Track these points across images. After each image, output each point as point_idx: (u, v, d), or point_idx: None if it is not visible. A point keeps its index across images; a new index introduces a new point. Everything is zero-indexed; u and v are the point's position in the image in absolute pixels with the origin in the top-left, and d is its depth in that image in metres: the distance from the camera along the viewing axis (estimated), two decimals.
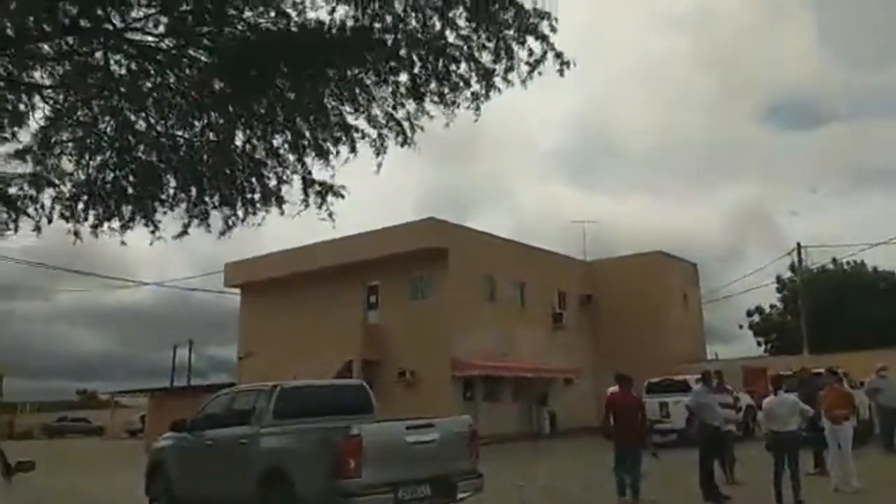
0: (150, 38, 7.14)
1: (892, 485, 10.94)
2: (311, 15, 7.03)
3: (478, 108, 7.67)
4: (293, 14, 7.02)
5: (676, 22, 79.51)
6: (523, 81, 7.50)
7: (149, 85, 7.56)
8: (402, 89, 7.68)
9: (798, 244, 31.99)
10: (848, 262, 35.69)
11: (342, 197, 8.13)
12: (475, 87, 7.59)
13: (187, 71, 7.39)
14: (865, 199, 72.28)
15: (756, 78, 76.67)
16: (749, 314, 38.51)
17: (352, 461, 7.10)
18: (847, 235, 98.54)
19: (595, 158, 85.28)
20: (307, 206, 8.09)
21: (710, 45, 76.72)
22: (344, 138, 7.88)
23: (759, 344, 38.05)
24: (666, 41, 77.86)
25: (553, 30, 7.25)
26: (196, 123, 7.93)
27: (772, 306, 38.92)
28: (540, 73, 7.48)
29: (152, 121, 7.90)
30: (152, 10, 6.86)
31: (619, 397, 10.74)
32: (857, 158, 72.57)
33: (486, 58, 7.45)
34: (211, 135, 8.00)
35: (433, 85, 7.59)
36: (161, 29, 7.03)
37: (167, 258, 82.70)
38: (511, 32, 7.26)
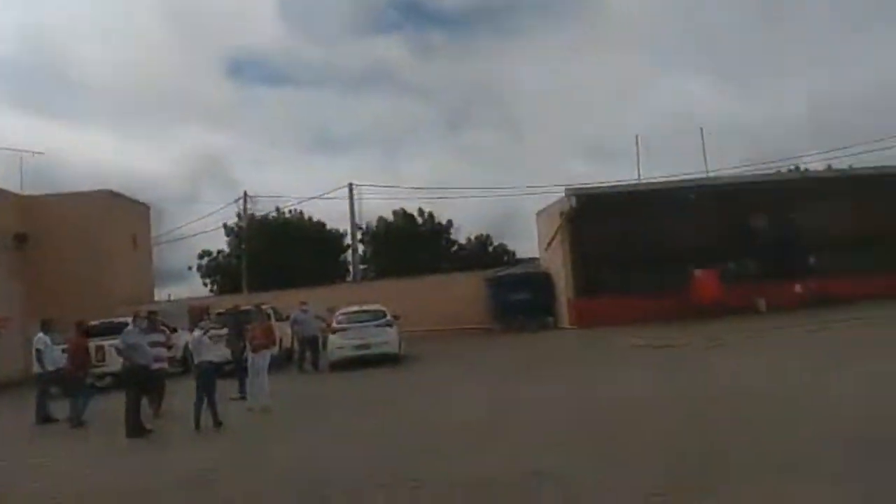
0: None
1: (318, 398, 13.10)
2: None
3: None
4: None
5: None
6: None
7: None
8: None
9: (245, 192, 34.52)
10: (290, 212, 40.13)
11: None
12: None
13: None
14: (314, 159, 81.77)
15: (222, 32, 77.88)
16: (199, 257, 39.94)
17: None
18: (297, 190, 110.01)
19: (48, 82, 74.16)
20: None
21: None
22: None
23: (205, 285, 39.83)
24: None
25: None
26: None
27: (219, 251, 41.04)
28: None
29: None
30: None
31: (73, 341, 12.42)
32: (310, 122, 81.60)
33: None
34: None
35: None
36: None
37: None
38: None
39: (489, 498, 5.75)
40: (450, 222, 40.24)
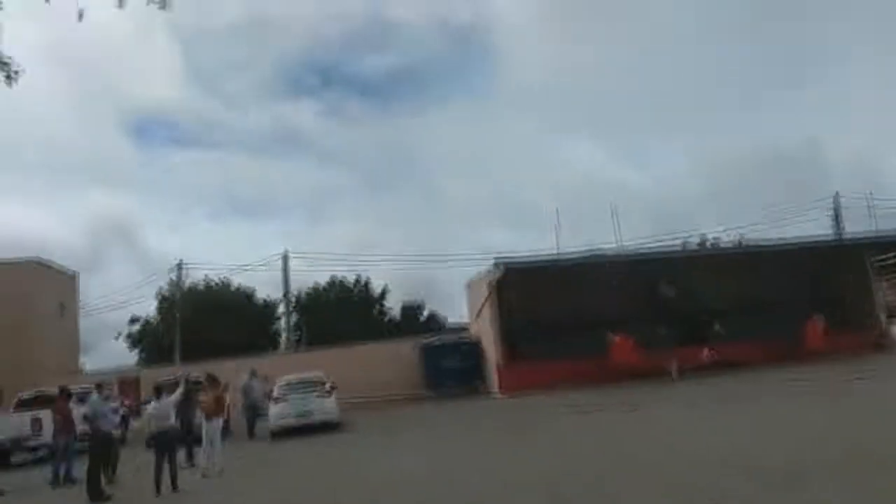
0: None
1: (267, 462, 13.66)
2: None
3: None
4: None
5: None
6: None
7: None
8: None
9: (180, 261, 34.71)
10: (216, 282, 40.34)
11: None
12: None
13: None
14: (231, 224, 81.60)
15: (122, 90, 76.87)
16: (130, 322, 39.32)
17: None
18: (216, 256, 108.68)
19: None
20: None
21: (71, 41, 71.72)
22: None
23: (139, 352, 39.06)
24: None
25: None
26: None
27: (144, 320, 40.40)
28: None
29: None
30: None
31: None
32: (225, 186, 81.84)
33: None
34: None
35: None
36: None
37: None
38: None
39: None
40: (384, 291, 41.30)
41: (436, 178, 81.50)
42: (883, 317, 29.41)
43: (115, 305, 41.31)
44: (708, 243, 35.93)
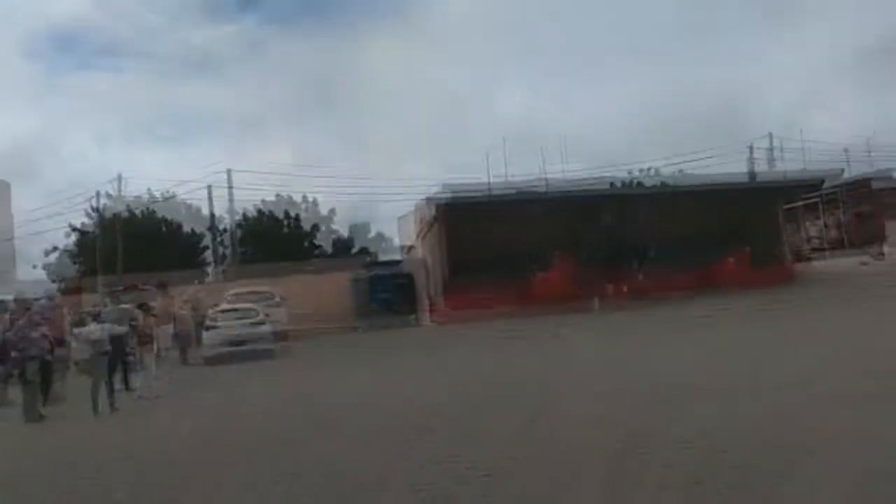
0: None
1: (194, 390, 13.72)
2: None
3: None
4: None
5: None
6: None
7: None
8: None
9: (119, 174, 33.12)
10: (142, 211, 39.01)
11: None
12: None
13: None
14: (151, 149, 77.98)
15: (32, 9, 72.04)
16: (70, 234, 37.73)
17: None
18: (135, 182, 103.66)
19: None
20: None
21: None
22: None
23: (75, 264, 37.47)
24: None
25: None
26: None
27: (64, 249, 38.70)
28: None
29: None
30: None
31: None
32: (145, 110, 78.00)
33: None
34: None
35: None
36: None
37: None
38: None
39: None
40: (332, 211, 41.33)
41: (365, 111, 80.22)
42: (791, 252, 31.54)
43: (29, 234, 39.28)
44: (636, 182, 37.19)
